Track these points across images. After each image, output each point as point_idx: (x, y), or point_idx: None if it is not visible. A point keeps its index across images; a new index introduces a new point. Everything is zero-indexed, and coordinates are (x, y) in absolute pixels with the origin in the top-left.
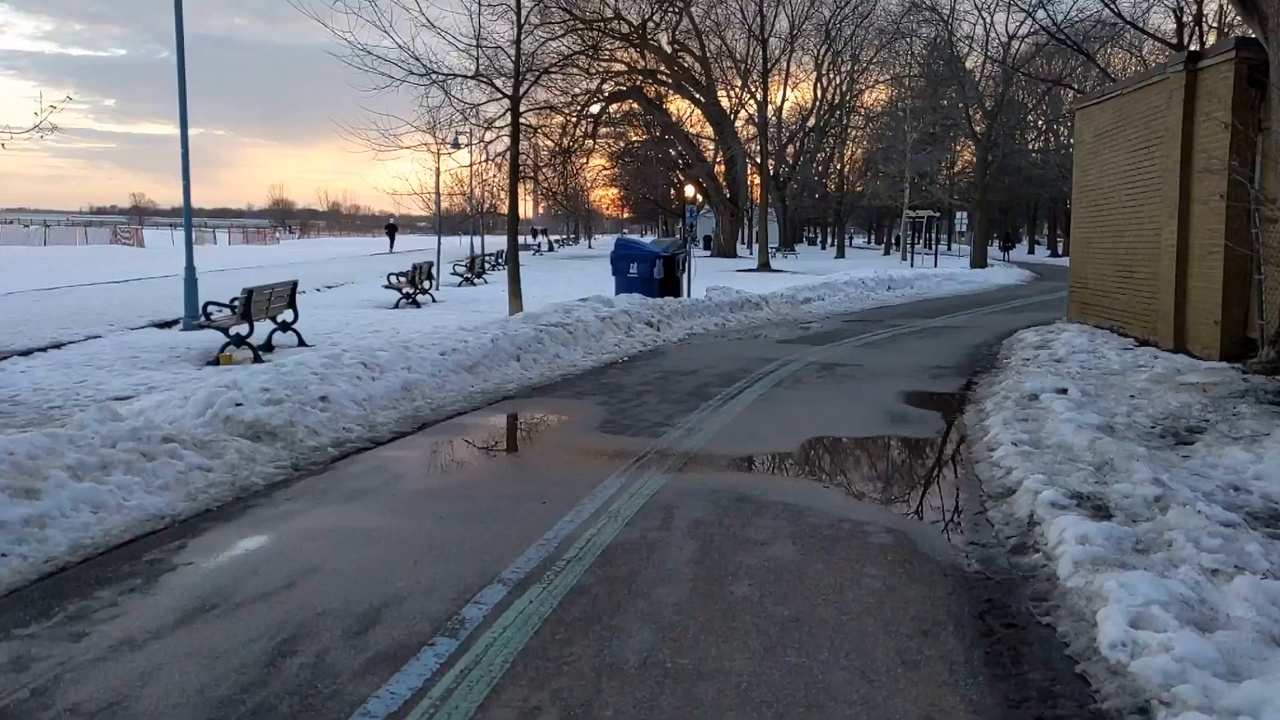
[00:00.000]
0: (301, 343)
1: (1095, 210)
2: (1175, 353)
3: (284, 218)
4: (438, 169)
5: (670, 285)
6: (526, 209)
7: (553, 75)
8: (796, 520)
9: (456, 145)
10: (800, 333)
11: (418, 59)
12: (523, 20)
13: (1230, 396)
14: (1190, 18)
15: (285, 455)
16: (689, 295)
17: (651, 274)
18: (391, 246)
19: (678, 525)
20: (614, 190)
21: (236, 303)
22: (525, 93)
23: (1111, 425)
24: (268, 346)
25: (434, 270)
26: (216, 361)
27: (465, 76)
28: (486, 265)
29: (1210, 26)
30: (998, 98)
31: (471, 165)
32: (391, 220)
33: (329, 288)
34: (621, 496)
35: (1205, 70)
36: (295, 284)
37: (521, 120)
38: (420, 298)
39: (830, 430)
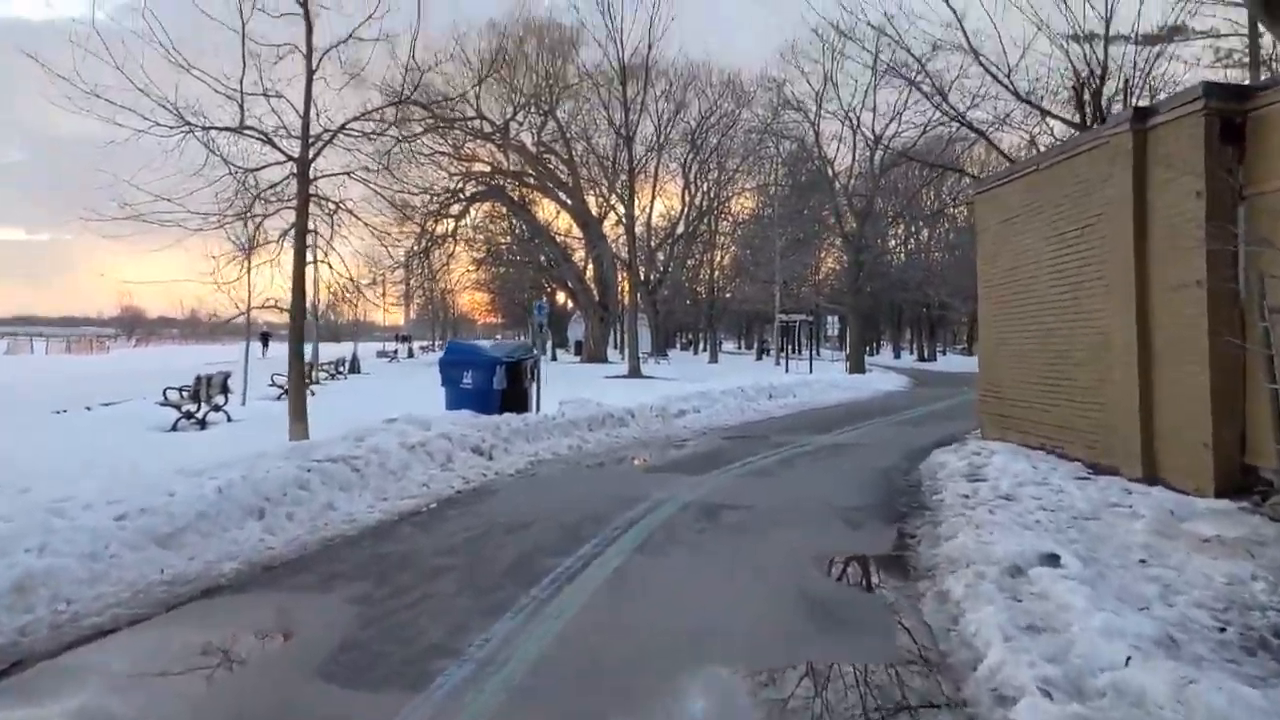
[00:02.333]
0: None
1: (1009, 306)
2: (1148, 483)
3: (132, 326)
4: (248, 262)
5: (516, 398)
6: (397, 315)
7: (360, 140)
8: None
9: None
10: (674, 455)
11: (172, 106)
12: (314, 66)
13: None
14: (1090, 94)
15: None
16: (538, 410)
17: (490, 384)
18: (264, 352)
19: None
20: (483, 295)
21: None
22: (318, 155)
23: (1171, 635)
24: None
25: (229, 383)
26: None
27: (230, 129)
28: (323, 375)
29: (1112, 100)
30: (869, 195)
31: (316, 261)
32: (265, 327)
33: (108, 404)
34: None
35: (1160, 128)
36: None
37: (317, 195)
38: (213, 416)
39: (721, 650)
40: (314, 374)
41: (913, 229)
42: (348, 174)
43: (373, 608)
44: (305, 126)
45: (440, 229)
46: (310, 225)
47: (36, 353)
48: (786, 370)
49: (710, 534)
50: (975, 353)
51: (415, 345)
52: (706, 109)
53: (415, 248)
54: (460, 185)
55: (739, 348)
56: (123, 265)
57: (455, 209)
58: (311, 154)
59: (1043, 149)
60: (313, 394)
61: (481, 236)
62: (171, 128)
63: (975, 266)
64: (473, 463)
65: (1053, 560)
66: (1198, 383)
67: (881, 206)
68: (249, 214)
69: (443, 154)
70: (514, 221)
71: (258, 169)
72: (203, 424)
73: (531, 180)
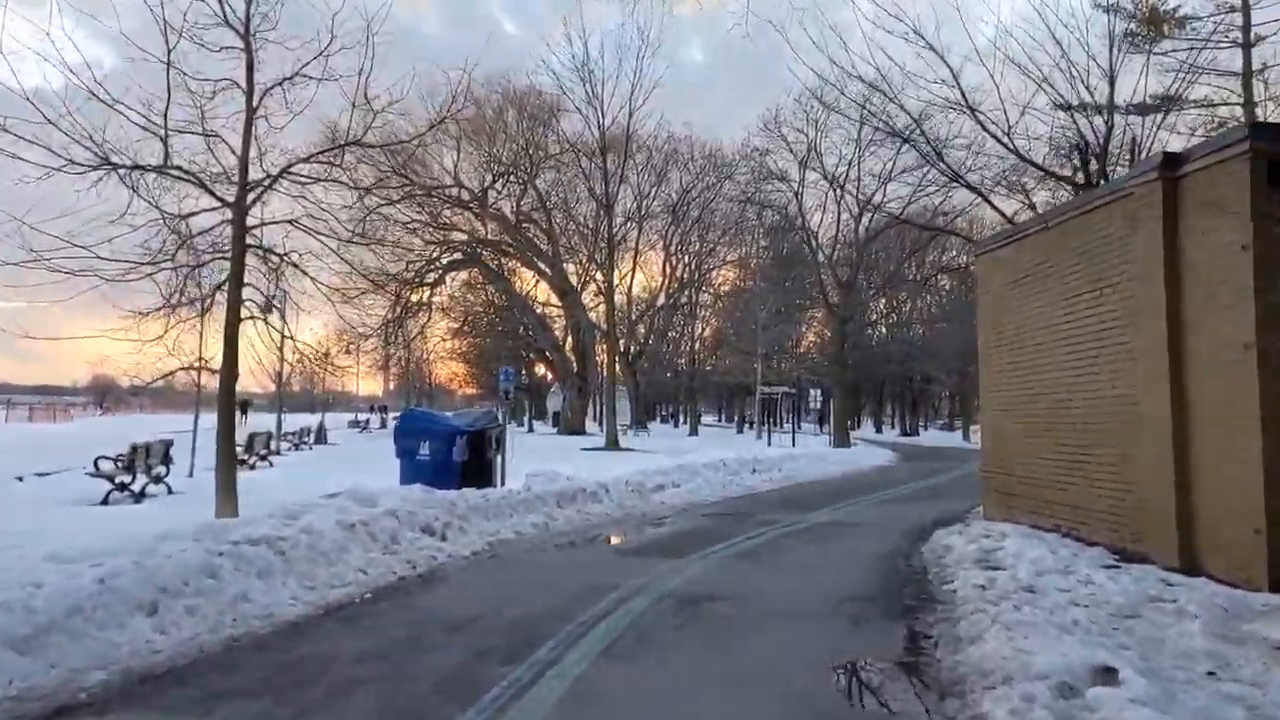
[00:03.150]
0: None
1: (1016, 375)
2: (1187, 573)
3: (103, 394)
4: (202, 330)
5: (478, 471)
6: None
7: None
8: None
9: (269, 309)
10: (651, 535)
11: (90, 142)
12: (255, 104)
13: None
14: (1095, 153)
15: None
16: (502, 484)
17: (450, 456)
18: (244, 420)
19: None
20: (460, 365)
21: None
22: (256, 201)
23: None
24: None
25: (170, 452)
26: None
27: (153, 169)
28: (284, 444)
29: (1117, 164)
30: (854, 264)
31: (282, 330)
32: (243, 398)
33: (43, 474)
34: None
35: (1196, 175)
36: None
37: (258, 247)
38: (153, 488)
39: None
40: (275, 445)
41: (896, 301)
42: (291, 222)
43: None
44: (243, 169)
45: (416, 297)
46: (250, 279)
47: None
48: (769, 444)
49: (691, 633)
50: (958, 428)
51: (390, 416)
52: (688, 182)
53: (390, 315)
54: (437, 254)
55: (719, 420)
56: (100, 332)
57: (431, 277)
58: (250, 199)
59: (1041, 211)
60: (270, 465)
61: (459, 306)
62: (88, 166)
63: (960, 339)
64: (422, 544)
65: (1109, 675)
66: (1247, 458)
67: (866, 277)
68: (173, 263)
69: (419, 222)
70: (491, 291)
71: (188, 215)
72: (138, 497)
73: (510, 249)
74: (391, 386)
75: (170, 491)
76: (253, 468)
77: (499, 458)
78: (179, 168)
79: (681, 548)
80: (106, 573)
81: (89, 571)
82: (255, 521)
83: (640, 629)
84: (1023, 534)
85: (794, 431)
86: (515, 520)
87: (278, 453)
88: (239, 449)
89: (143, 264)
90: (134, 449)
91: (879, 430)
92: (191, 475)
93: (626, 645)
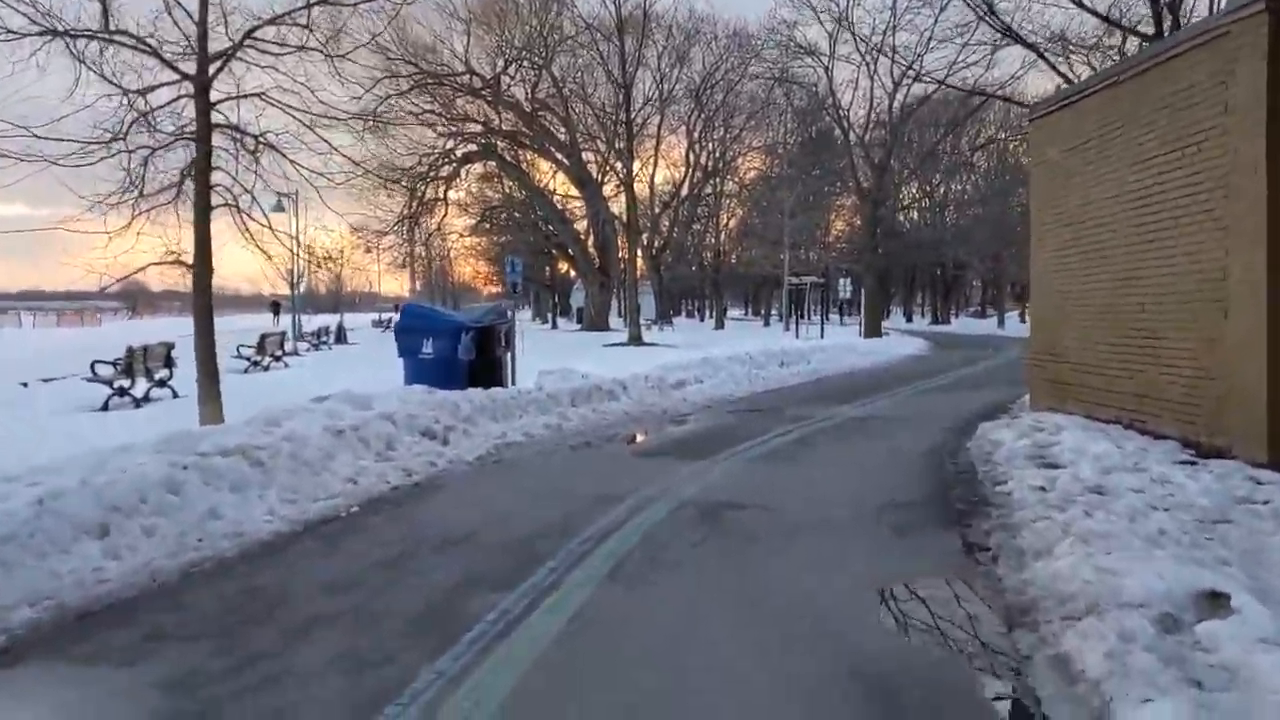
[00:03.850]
0: None
1: (1074, 252)
2: (1277, 469)
3: (136, 300)
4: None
5: (486, 370)
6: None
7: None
8: None
9: (279, 208)
10: (671, 435)
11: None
12: None
13: None
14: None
15: None
16: (513, 383)
17: (455, 354)
18: (276, 322)
19: None
20: (484, 264)
21: None
22: (219, 73)
23: None
24: None
25: (173, 355)
26: None
27: (98, 35)
28: (302, 345)
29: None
30: (887, 145)
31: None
32: (274, 299)
33: (49, 379)
34: None
35: None
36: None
37: (226, 126)
38: (157, 392)
39: None
40: (292, 345)
41: (929, 185)
42: (260, 95)
43: (184, 700)
44: (202, 35)
45: (431, 192)
46: (225, 166)
47: (25, 326)
48: (797, 336)
49: (711, 550)
50: (990, 315)
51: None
52: (711, 63)
53: (405, 212)
54: (451, 146)
55: (745, 314)
56: (134, 239)
57: (446, 171)
58: (212, 71)
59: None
60: (285, 366)
61: (477, 201)
62: (24, 34)
63: (996, 224)
64: (421, 449)
65: (1218, 602)
66: None
67: (899, 159)
68: (126, 145)
69: (432, 113)
70: (509, 184)
71: (145, 90)
72: (139, 402)
73: (526, 139)
74: (418, 287)
75: (175, 395)
76: (266, 369)
77: (509, 355)
78: (127, 33)
79: (703, 448)
80: (46, 492)
81: (26, 491)
82: (231, 430)
83: (654, 545)
84: (1079, 426)
85: (822, 323)
86: (525, 421)
87: (295, 353)
88: (250, 351)
89: (92, 144)
90: (130, 352)
91: (909, 319)
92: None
93: (636, 567)
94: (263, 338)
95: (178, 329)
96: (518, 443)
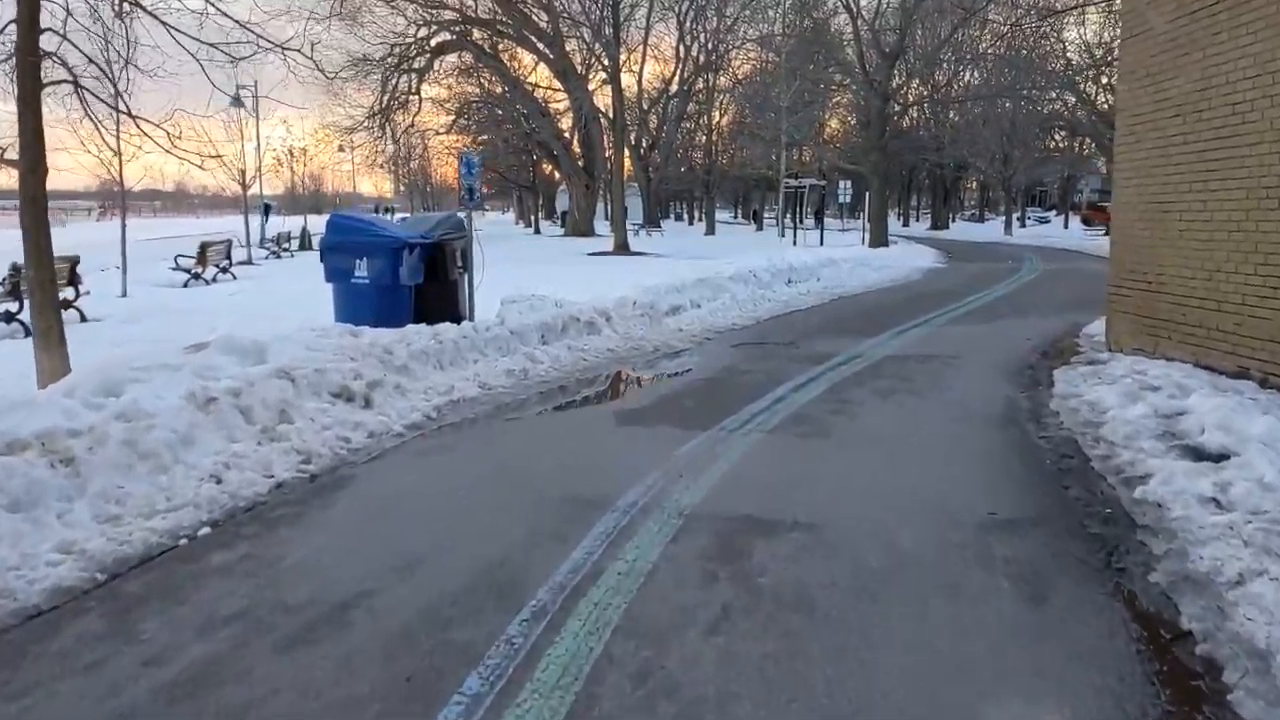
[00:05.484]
0: None
1: (1184, 153)
2: None
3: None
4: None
5: (441, 298)
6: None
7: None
8: None
9: (238, 102)
10: (665, 388)
11: None
12: None
13: None
14: None
15: None
16: (471, 316)
17: (395, 280)
18: (265, 226)
19: None
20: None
21: None
22: None
23: None
24: None
25: (77, 270)
26: None
27: None
28: (261, 253)
29: None
30: (901, 27)
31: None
32: (266, 202)
33: None
34: None
35: None
36: None
37: None
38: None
39: None
40: (246, 253)
41: (934, 83)
42: None
43: None
44: None
45: (404, 84)
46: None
47: None
48: (794, 242)
49: (735, 625)
50: (988, 219)
51: (398, 217)
52: None
53: (376, 106)
54: (424, 35)
55: (735, 217)
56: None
57: (419, 62)
58: None
59: None
60: (233, 278)
61: (454, 96)
62: None
63: (1005, 122)
64: (330, 418)
65: None
66: None
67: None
68: None
69: None
70: (488, 77)
71: None
72: (30, 331)
73: (505, 28)
74: (402, 189)
75: (84, 319)
76: (210, 282)
77: (465, 279)
78: None
79: (708, 410)
80: None
81: None
82: (36, 405)
83: (635, 613)
84: (1204, 382)
85: (820, 228)
86: (481, 368)
87: (249, 262)
88: (189, 262)
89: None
90: (15, 269)
91: (905, 224)
92: (125, 295)
93: (609, 688)
94: (203, 246)
95: (137, 231)
96: (469, 399)
